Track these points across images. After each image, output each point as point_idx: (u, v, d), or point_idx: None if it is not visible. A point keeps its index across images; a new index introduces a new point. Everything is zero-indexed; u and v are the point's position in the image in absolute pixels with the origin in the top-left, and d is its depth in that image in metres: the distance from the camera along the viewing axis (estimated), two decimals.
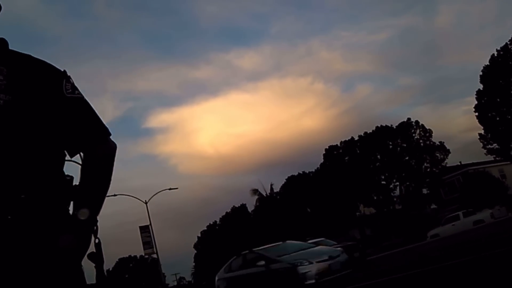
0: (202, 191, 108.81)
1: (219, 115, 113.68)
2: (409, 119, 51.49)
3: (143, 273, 72.48)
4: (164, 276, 54.16)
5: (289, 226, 50.18)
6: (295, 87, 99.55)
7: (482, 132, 43.41)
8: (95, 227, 1.62)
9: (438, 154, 49.84)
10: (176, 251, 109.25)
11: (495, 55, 42.30)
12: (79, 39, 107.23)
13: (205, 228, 71.61)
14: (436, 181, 48.96)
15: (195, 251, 73.10)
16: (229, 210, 67.59)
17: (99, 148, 1.67)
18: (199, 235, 72.36)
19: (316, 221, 50.26)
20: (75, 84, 1.69)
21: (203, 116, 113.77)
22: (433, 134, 50.45)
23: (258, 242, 53.38)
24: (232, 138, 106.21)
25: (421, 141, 50.47)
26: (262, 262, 13.05)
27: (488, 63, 42.75)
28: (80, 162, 1.69)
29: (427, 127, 50.82)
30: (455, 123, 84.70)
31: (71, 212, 1.61)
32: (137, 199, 39.34)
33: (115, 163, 1.75)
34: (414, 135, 50.82)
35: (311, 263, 11.63)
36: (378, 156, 51.11)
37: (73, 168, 1.73)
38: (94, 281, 1.65)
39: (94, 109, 1.71)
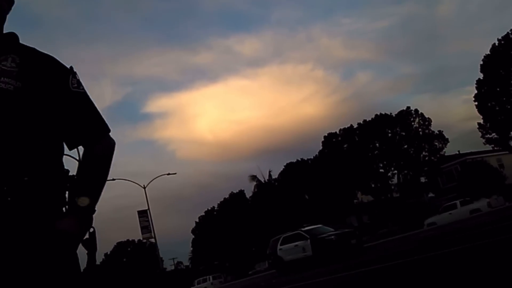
0: (200, 176, 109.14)
1: (219, 101, 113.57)
2: (408, 107, 51.52)
3: (141, 257, 72.90)
4: (162, 261, 54.51)
5: (287, 213, 50.43)
6: (295, 73, 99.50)
7: (481, 121, 43.43)
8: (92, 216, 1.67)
9: (436, 143, 49.89)
10: (174, 236, 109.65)
11: (496, 44, 42.13)
12: (78, 23, 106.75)
13: (203, 214, 71.92)
14: (434, 170, 49.08)
15: (193, 236, 73.50)
16: (227, 196, 67.87)
17: (98, 144, 1.73)
18: (197, 221, 72.69)
19: (314, 208, 50.47)
20: (81, 80, 1.76)
21: (203, 101, 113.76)
22: (432, 123, 50.54)
23: (256, 228, 53.70)
24: (231, 124, 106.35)
25: (420, 129, 50.49)
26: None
27: (489, 53, 42.61)
28: (77, 158, 1.73)
29: (427, 116, 50.89)
30: (454, 112, 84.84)
31: (66, 201, 1.66)
32: (135, 184, 39.52)
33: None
34: (413, 123, 50.82)
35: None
36: (377, 144, 51.16)
37: (70, 163, 1.76)
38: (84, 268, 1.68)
39: (96, 105, 1.78)
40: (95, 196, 1.67)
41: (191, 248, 74.98)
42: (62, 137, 1.71)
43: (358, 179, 49.52)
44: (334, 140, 54.00)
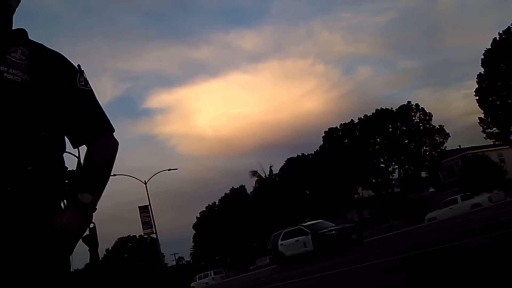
0: (201, 172, 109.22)
1: (219, 96, 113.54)
2: (409, 102, 51.42)
3: (142, 252, 73.03)
4: (163, 256, 54.64)
5: (288, 208, 50.46)
6: (296, 68, 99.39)
7: (482, 116, 43.37)
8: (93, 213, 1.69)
9: (437, 138, 49.83)
10: (175, 231, 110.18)
11: (497, 38, 42.01)
12: (78, 18, 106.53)
13: (204, 209, 71.97)
14: (435, 165, 49.05)
15: (194, 232, 73.60)
16: (228, 192, 67.88)
17: (101, 142, 1.74)
18: (198, 216, 72.76)
19: (315, 203, 50.51)
20: (88, 79, 1.77)
21: (203, 97, 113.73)
22: (433, 118, 50.45)
23: (257, 224, 53.77)
24: (231, 119, 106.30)
25: (420, 124, 50.42)
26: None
27: (490, 47, 42.49)
28: (76, 155, 1.75)
29: (427, 111, 50.78)
30: (455, 106, 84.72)
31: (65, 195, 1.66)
32: (136, 179, 39.56)
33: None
34: (414, 118, 50.74)
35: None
36: (378, 139, 51.12)
37: (68, 159, 1.76)
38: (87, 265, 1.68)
39: (101, 104, 1.80)
40: (97, 194, 1.68)
41: (192, 244, 75.12)
42: (65, 134, 1.72)
43: (359, 174, 49.51)
44: (334, 135, 53.96)
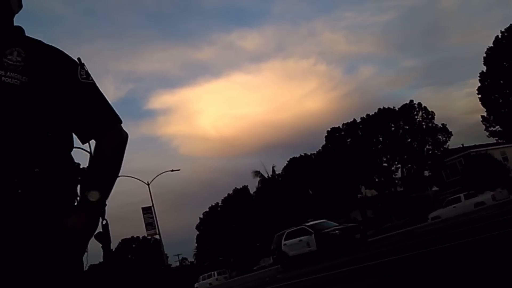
0: (204, 172, 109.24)
1: (221, 97, 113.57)
2: (411, 101, 51.35)
3: (146, 254, 73.10)
4: (167, 257, 54.78)
5: (291, 208, 50.45)
6: (298, 68, 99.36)
7: (485, 114, 43.38)
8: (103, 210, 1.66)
9: (440, 136, 49.76)
10: (179, 232, 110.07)
11: (499, 36, 41.95)
12: (80, 19, 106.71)
13: (207, 210, 72.03)
14: (438, 163, 48.97)
15: (197, 232, 73.63)
16: (231, 192, 67.90)
17: (109, 135, 1.69)
18: (201, 217, 72.80)
19: (318, 203, 50.48)
20: (89, 72, 1.73)
21: (205, 97, 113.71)
22: (435, 116, 50.38)
23: (260, 224, 53.74)
24: (234, 119, 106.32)
25: (423, 123, 50.35)
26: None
27: (492, 45, 42.43)
28: (88, 150, 1.71)
29: (430, 109, 50.72)
30: (457, 105, 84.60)
31: (78, 194, 1.65)
32: (139, 181, 39.57)
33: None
34: (416, 117, 50.68)
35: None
36: (380, 138, 51.08)
37: (81, 155, 1.75)
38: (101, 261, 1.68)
39: (106, 96, 1.75)
40: (106, 190, 1.64)
41: (196, 244, 75.17)
42: (72, 130, 1.70)
43: (362, 173, 49.47)
44: (337, 134, 53.93)
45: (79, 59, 1.72)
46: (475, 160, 42.20)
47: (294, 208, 50.04)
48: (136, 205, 77.15)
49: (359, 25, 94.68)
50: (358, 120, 53.04)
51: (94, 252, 1.68)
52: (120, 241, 79.42)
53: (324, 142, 55.05)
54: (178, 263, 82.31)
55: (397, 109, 51.08)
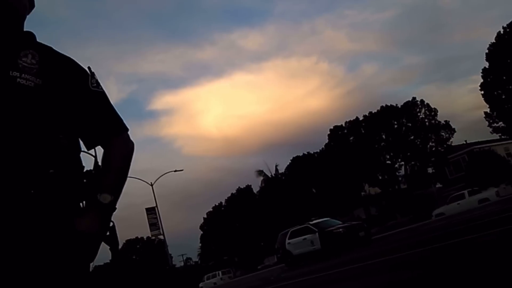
0: (207, 172, 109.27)
1: (224, 96, 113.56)
2: (414, 98, 51.29)
3: (150, 254, 73.21)
4: (171, 257, 54.79)
5: (295, 207, 50.47)
6: (300, 67, 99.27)
7: (488, 110, 43.23)
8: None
9: (443, 133, 49.69)
10: (182, 232, 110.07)
11: (502, 32, 41.83)
12: (82, 21, 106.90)
13: (211, 209, 72.08)
14: (441, 160, 48.90)
15: (201, 232, 73.71)
16: (234, 191, 67.94)
17: (118, 143, 1.74)
18: (205, 216, 72.87)
19: (321, 201, 50.49)
20: (99, 81, 1.78)
21: (208, 97, 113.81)
22: (438, 113, 50.35)
23: (264, 223, 53.77)
24: (236, 119, 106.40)
25: (426, 120, 50.29)
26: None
27: (495, 41, 42.31)
28: (93, 154, 1.75)
29: (432, 106, 50.67)
30: (460, 101, 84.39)
31: (85, 197, 1.67)
32: (143, 181, 39.62)
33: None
34: (419, 114, 50.63)
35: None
36: (383, 136, 51.03)
37: (84, 159, 1.77)
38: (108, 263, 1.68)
39: (114, 105, 1.80)
40: (116, 194, 1.68)
41: (200, 244, 75.27)
42: (79, 135, 1.73)
43: (365, 171, 49.44)
44: (340, 132, 53.91)
45: (89, 68, 1.76)
46: (479, 156, 42.13)
47: (298, 207, 50.06)
48: (140, 206, 77.21)
49: (361, 23, 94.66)
50: (361, 118, 53.03)
51: (97, 253, 1.69)
52: (124, 242, 79.63)
53: (327, 141, 55.10)
54: (182, 263, 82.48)
55: (399, 107, 51.03)
